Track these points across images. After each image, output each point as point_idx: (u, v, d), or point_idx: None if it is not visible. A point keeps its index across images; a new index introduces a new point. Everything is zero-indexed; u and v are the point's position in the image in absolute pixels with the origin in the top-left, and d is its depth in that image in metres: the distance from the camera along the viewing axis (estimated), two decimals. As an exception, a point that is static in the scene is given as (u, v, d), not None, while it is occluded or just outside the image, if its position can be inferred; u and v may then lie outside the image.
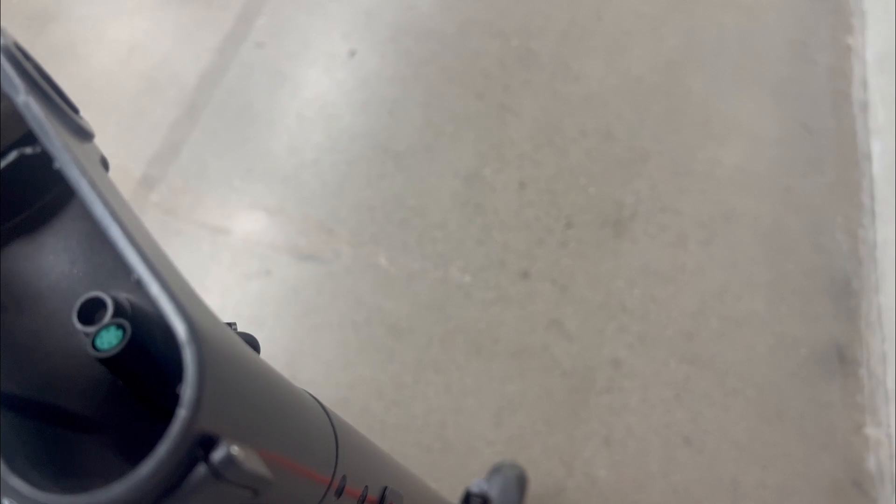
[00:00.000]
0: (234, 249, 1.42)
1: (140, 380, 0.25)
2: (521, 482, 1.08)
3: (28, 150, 0.28)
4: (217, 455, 0.19)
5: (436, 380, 1.34)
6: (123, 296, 0.26)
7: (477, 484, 0.84)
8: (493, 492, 0.93)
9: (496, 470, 1.10)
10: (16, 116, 0.28)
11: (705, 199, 1.65)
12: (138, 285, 0.20)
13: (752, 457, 1.35)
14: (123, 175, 1.45)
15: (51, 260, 0.28)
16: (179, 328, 0.19)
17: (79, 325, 0.24)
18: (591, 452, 1.32)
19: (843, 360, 1.48)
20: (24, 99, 0.23)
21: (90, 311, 0.25)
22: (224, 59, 1.66)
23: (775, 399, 1.42)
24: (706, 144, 1.74)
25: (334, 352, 1.34)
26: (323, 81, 1.68)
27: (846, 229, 1.65)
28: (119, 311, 0.25)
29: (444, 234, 1.50)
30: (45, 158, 0.25)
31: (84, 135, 0.27)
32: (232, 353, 0.22)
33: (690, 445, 1.35)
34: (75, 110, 0.28)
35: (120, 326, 0.24)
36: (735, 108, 1.80)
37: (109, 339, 0.24)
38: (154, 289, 0.20)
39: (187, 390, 0.19)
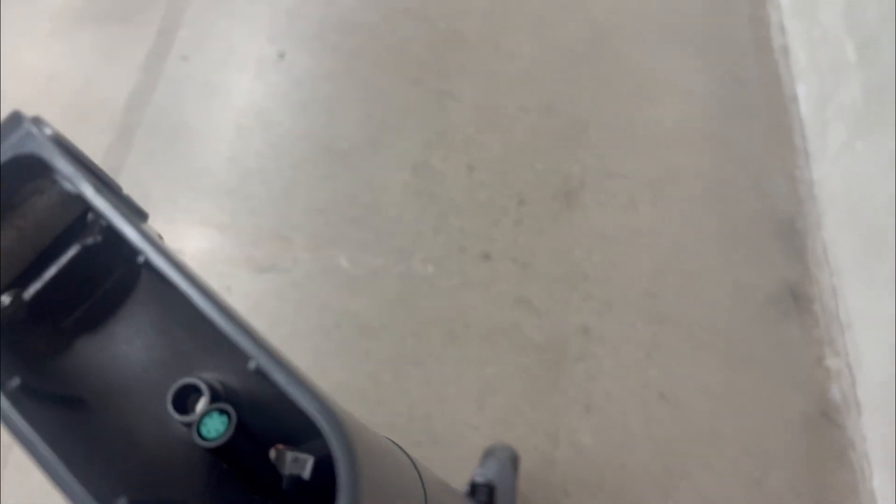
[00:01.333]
0: (190, 270, 1.39)
1: (246, 459, 0.25)
2: (514, 462, 1.10)
3: (90, 241, 0.27)
4: None
5: (415, 373, 1.34)
6: (212, 378, 0.25)
7: (481, 473, 0.85)
8: (490, 476, 0.94)
9: (489, 454, 1.11)
10: (55, 209, 0.27)
11: (649, 161, 1.69)
12: (257, 374, 0.20)
13: (727, 404, 1.40)
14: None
15: (125, 350, 0.27)
16: (334, 442, 0.19)
17: (176, 415, 0.24)
18: (574, 422, 1.34)
19: (798, 299, 1.54)
20: (91, 192, 0.23)
21: (184, 399, 0.24)
22: (150, 76, 1.60)
23: (740, 345, 1.47)
24: (643, 107, 1.77)
25: (308, 361, 1.33)
26: (255, 87, 1.64)
27: (784, 172, 1.71)
28: (215, 395, 0.24)
29: (400, 228, 1.49)
30: (104, 247, 0.24)
31: (143, 216, 0.26)
32: (366, 443, 0.22)
33: (667, 401, 1.39)
34: (121, 190, 0.27)
35: (223, 412, 0.23)
36: (666, 68, 1.84)
37: (216, 426, 0.23)
38: (295, 391, 0.20)
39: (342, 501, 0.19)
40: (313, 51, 1.71)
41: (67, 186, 0.26)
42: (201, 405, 0.24)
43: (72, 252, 0.28)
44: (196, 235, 1.43)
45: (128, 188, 1.35)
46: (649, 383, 1.40)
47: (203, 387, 0.24)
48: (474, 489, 0.83)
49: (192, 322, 0.25)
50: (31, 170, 0.27)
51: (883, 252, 1.40)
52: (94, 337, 0.28)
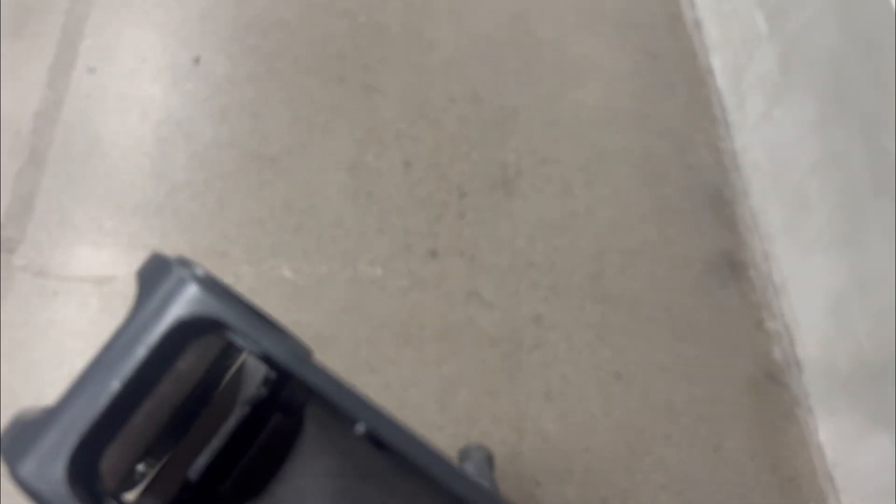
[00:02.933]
0: (124, 297, 1.30)
1: None
2: (490, 461, 1.09)
3: (257, 398, 0.25)
4: None
5: (373, 380, 1.32)
6: None
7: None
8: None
9: (465, 456, 1.10)
10: (195, 358, 0.24)
11: (578, 143, 1.70)
12: None
13: (677, 375, 1.44)
14: (-24, 245, 1.29)
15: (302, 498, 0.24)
16: None
17: None
18: (536, 410, 1.35)
19: (733, 266, 1.59)
20: (281, 353, 0.21)
21: None
22: (55, 92, 1.49)
23: (684, 316, 1.51)
24: (566, 89, 1.79)
25: (262, 378, 1.28)
26: (172, 96, 1.56)
27: (707, 144, 1.76)
28: None
29: (343, 232, 1.45)
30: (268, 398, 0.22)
31: (308, 352, 0.24)
32: None
33: (622, 379, 1.41)
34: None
35: None
36: (584, 49, 1.86)
37: None
38: None
39: None
40: (230, 53, 1.64)
41: (238, 342, 0.23)
42: None
43: (239, 415, 0.25)
44: (127, 259, 1.35)
45: (46, 214, 1.28)
46: (603, 364, 1.43)
47: None
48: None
49: (385, 475, 0.23)
50: (194, 331, 0.24)
51: (808, 214, 1.47)
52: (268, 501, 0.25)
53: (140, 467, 0.24)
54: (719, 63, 1.85)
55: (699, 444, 1.37)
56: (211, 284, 0.23)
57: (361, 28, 1.74)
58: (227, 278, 1.36)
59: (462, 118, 1.67)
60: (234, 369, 0.27)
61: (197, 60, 1.60)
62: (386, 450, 0.24)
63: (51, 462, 0.22)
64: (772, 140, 1.61)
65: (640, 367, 1.43)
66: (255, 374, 0.27)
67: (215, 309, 0.23)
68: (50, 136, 1.44)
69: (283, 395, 0.26)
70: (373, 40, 1.73)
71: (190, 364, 0.25)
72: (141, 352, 0.22)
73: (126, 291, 1.33)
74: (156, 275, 0.25)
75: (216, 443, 0.24)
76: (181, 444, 0.25)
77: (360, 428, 0.23)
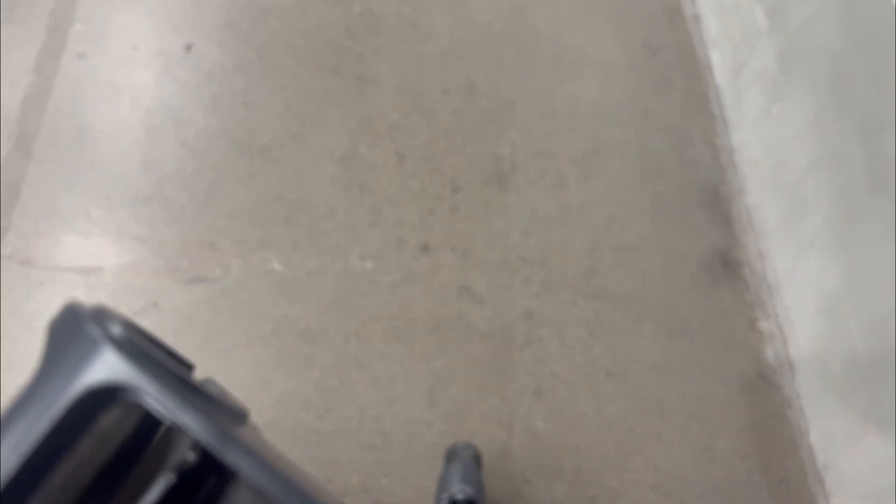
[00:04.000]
0: (111, 288, 1.29)
1: None
2: (478, 460, 1.08)
3: (186, 464, 0.23)
4: None
5: (362, 376, 1.30)
6: None
7: (461, 489, 0.83)
8: (455, 477, 0.92)
9: (452, 455, 1.09)
10: (117, 422, 0.23)
11: (574, 137, 1.69)
12: None
13: (669, 373, 1.43)
14: (-40, 233, 1.27)
15: None
16: None
17: None
18: (526, 407, 1.34)
19: (727, 264, 1.58)
20: (196, 426, 0.20)
21: None
22: (44, 78, 1.47)
23: (677, 314, 1.50)
24: (563, 83, 1.77)
25: (249, 373, 1.27)
26: (163, 84, 1.53)
27: (705, 140, 1.74)
28: None
29: (334, 224, 1.44)
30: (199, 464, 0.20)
31: (241, 417, 0.22)
32: None
33: (613, 377, 1.40)
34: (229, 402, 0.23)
35: None
36: (582, 41, 1.84)
37: None
38: None
39: None
40: (222, 41, 1.61)
41: (154, 412, 0.21)
42: None
43: (163, 485, 0.23)
44: (114, 250, 1.33)
45: (33, 203, 1.25)
46: (595, 361, 1.41)
47: None
48: (454, 505, 0.81)
49: None
50: (105, 399, 0.22)
51: (804, 214, 1.45)
52: None
53: None
54: (718, 58, 1.83)
55: (690, 443, 1.36)
56: (127, 346, 0.22)
57: (356, 17, 1.72)
58: (216, 271, 1.35)
59: (457, 110, 1.65)
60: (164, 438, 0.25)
61: (189, 48, 1.57)
62: None
63: None
64: (770, 137, 1.59)
65: (631, 364, 1.42)
66: (185, 443, 0.25)
67: (129, 377, 0.21)
68: (38, 122, 1.42)
69: (215, 461, 0.24)
70: (368, 30, 1.71)
71: (116, 421, 0.23)
72: (42, 425, 0.21)
73: (113, 283, 1.32)
74: (67, 331, 0.23)
75: None
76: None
77: None
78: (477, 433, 1.30)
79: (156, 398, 0.21)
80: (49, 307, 1.27)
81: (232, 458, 0.21)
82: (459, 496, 0.80)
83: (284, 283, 1.36)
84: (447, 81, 1.69)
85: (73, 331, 0.22)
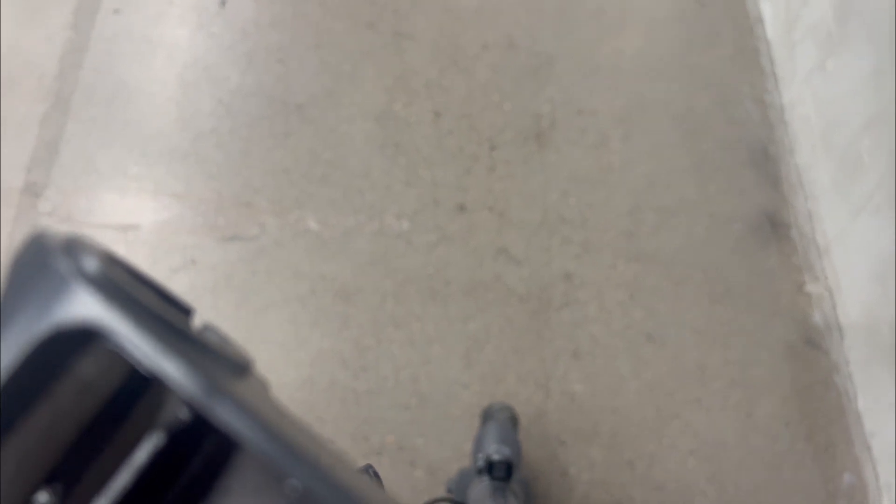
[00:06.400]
0: (149, 245, 1.30)
1: None
2: (514, 422, 1.07)
3: (175, 425, 0.21)
4: None
5: (397, 336, 1.29)
6: None
7: (497, 450, 0.82)
8: (492, 438, 0.91)
9: (488, 415, 1.08)
10: (102, 371, 0.21)
11: (617, 94, 1.63)
12: None
13: (711, 338, 1.39)
14: (3, 189, 1.28)
15: None
16: None
17: None
18: (563, 370, 1.32)
19: (775, 226, 1.52)
20: (180, 376, 0.18)
21: None
22: (80, 35, 1.47)
23: (721, 278, 1.46)
24: (606, 37, 1.71)
25: (286, 331, 1.27)
26: (198, 40, 1.52)
27: (753, 97, 1.68)
28: None
29: (369, 183, 1.42)
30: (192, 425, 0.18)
31: (243, 369, 0.20)
32: None
33: (653, 341, 1.37)
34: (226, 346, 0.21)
35: None
36: (627, -6, 1.77)
37: None
38: None
39: None
40: (257, -4, 1.59)
41: (130, 357, 0.19)
42: None
43: (152, 446, 0.21)
44: (152, 207, 1.33)
45: (71, 160, 1.24)
46: (634, 325, 1.38)
47: None
48: (491, 466, 0.80)
49: None
50: (74, 342, 0.20)
51: (857, 174, 1.39)
52: None
53: (42, 497, 0.20)
54: (770, 11, 1.74)
55: (731, 409, 1.33)
56: (102, 282, 0.19)
57: (393, -30, 1.67)
58: (253, 229, 1.34)
59: (495, 66, 1.61)
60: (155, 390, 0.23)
61: (223, 3, 1.55)
62: None
63: None
64: (823, 94, 1.52)
65: (672, 328, 1.39)
66: (177, 398, 0.23)
67: (101, 317, 0.19)
68: (75, 79, 1.42)
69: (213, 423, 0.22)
70: (404, -17, 1.67)
71: (99, 369, 0.21)
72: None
73: (151, 240, 1.32)
74: (32, 265, 0.20)
75: (121, 481, 0.20)
76: (95, 465, 0.21)
77: (295, 484, 0.18)
78: (513, 395, 1.29)
79: (133, 343, 0.19)
80: (89, 264, 1.28)
81: (221, 415, 0.18)
82: (496, 457, 0.79)
83: (320, 243, 1.35)
84: (485, 36, 1.64)
85: (38, 264, 0.20)
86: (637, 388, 1.33)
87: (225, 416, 0.18)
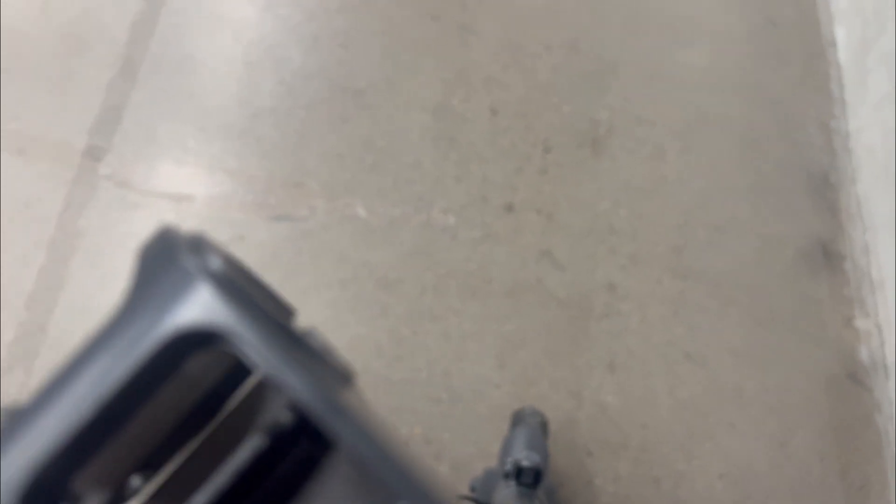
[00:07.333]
0: (201, 217, 1.32)
1: None
2: (545, 428, 1.06)
3: (279, 426, 0.21)
4: None
5: (434, 329, 1.30)
6: None
7: (527, 456, 0.81)
8: (521, 443, 0.91)
9: (518, 419, 1.08)
10: (205, 369, 0.21)
11: (678, 106, 1.61)
12: None
13: (751, 362, 1.37)
14: (66, 149, 1.32)
15: None
16: None
17: None
18: (597, 380, 1.31)
19: (828, 255, 1.49)
20: (301, 386, 0.18)
21: None
22: (152, 6, 1.49)
23: (767, 302, 1.43)
24: (672, 48, 1.68)
25: (325, 314, 1.28)
26: (265, 19, 1.54)
27: (818, 121, 1.64)
28: None
29: (420, 175, 1.42)
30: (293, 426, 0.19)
31: (348, 380, 0.20)
32: None
33: (692, 360, 1.35)
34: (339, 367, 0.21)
35: None
36: (698, 7, 1.74)
37: None
38: None
39: None
40: (326, -20, 1.60)
41: (250, 362, 0.20)
42: None
43: (254, 447, 0.21)
44: (206, 180, 1.36)
45: (133, 128, 1.27)
46: (674, 341, 1.37)
47: None
48: (520, 471, 0.80)
49: None
50: (196, 343, 0.20)
51: (921, 210, 1.35)
52: None
53: (135, 481, 0.21)
54: (843, 35, 1.70)
55: (765, 436, 1.30)
56: (226, 283, 0.19)
57: (463, -36, 1.67)
58: (302, 210, 1.36)
59: (556, 68, 1.59)
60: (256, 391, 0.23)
61: (293, -16, 1.57)
62: None
63: (6, 487, 0.19)
64: (892, 124, 1.47)
65: (712, 349, 1.37)
66: (280, 402, 0.23)
67: (226, 320, 0.19)
68: (144, 49, 1.45)
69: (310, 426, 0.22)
70: (473, -22, 1.66)
71: (204, 365, 0.21)
72: (125, 366, 0.19)
73: (202, 212, 1.34)
74: (160, 259, 0.20)
75: (221, 479, 0.21)
76: (189, 457, 0.21)
77: None
78: (544, 400, 1.28)
79: (255, 348, 0.19)
80: (141, 230, 1.31)
81: (337, 426, 0.18)
82: (525, 463, 0.79)
83: (367, 230, 1.36)
84: (549, 37, 1.63)
85: (166, 259, 0.20)
86: (671, 405, 1.31)
87: (339, 426, 0.19)
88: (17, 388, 1.13)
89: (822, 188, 1.55)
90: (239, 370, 0.21)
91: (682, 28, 1.70)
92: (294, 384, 0.19)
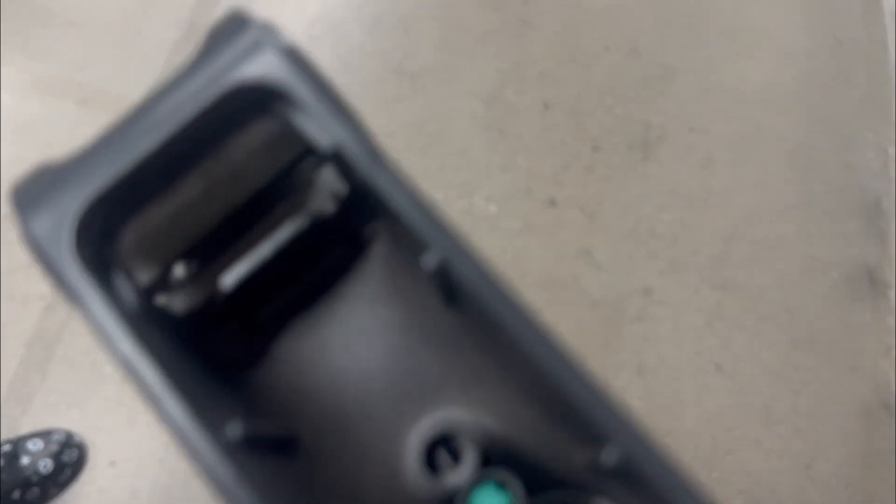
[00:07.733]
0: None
1: None
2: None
3: (323, 212, 0.21)
4: None
5: (466, 314, 1.30)
6: (473, 423, 0.19)
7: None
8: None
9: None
10: (259, 151, 0.22)
11: (733, 118, 1.59)
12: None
13: (784, 382, 1.34)
14: (127, 104, 1.35)
15: (346, 364, 0.21)
16: None
17: (428, 477, 0.18)
18: (625, 383, 1.31)
19: (874, 283, 1.46)
20: (366, 159, 0.19)
21: (432, 451, 0.19)
22: (222, -28, 1.53)
23: (806, 323, 1.40)
24: (733, 59, 1.66)
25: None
26: (330, -4, 1.56)
27: (876, 146, 1.60)
28: (483, 454, 0.18)
29: (466, 161, 1.43)
30: (335, 217, 0.19)
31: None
32: None
33: (723, 372, 1.34)
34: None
35: (501, 483, 0.17)
36: (763, 20, 1.71)
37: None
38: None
39: None
40: (393, -38, 1.61)
41: (304, 131, 0.20)
42: (466, 470, 0.18)
43: (296, 226, 0.22)
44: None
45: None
46: (706, 352, 1.35)
47: (471, 449, 0.18)
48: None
49: (442, 337, 0.19)
50: (252, 103, 0.21)
51: (976, 245, 1.31)
52: (303, 342, 0.22)
53: (179, 270, 0.22)
54: (913, 60, 1.66)
55: (790, 457, 1.28)
56: (292, 56, 0.20)
57: (529, -42, 1.67)
58: (347, 184, 1.37)
59: (613, 69, 1.59)
60: (304, 184, 0.24)
61: (360, -36, 1.59)
62: (458, 306, 0.19)
63: (60, 219, 0.20)
64: (954, 154, 1.44)
65: (745, 364, 1.35)
66: (325, 190, 0.24)
67: (287, 79, 0.20)
68: (209, 14, 1.48)
69: (352, 219, 0.23)
70: (538, -27, 1.66)
71: (253, 162, 0.22)
72: (188, 110, 0.20)
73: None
74: (228, 32, 0.22)
75: (262, 251, 0.21)
76: (228, 253, 0.22)
77: (430, 261, 0.18)
78: (569, 396, 1.27)
79: (310, 108, 0.20)
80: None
81: (381, 179, 0.19)
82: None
83: (409, 210, 1.37)
84: (609, 38, 1.62)
85: (235, 31, 0.21)
86: (696, 415, 1.30)
87: (383, 180, 0.19)
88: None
89: (874, 214, 1.52)
90: (286, 182, 0.22)
91: (745, 39, 1.68)
92: (346, 141, 0.19)
